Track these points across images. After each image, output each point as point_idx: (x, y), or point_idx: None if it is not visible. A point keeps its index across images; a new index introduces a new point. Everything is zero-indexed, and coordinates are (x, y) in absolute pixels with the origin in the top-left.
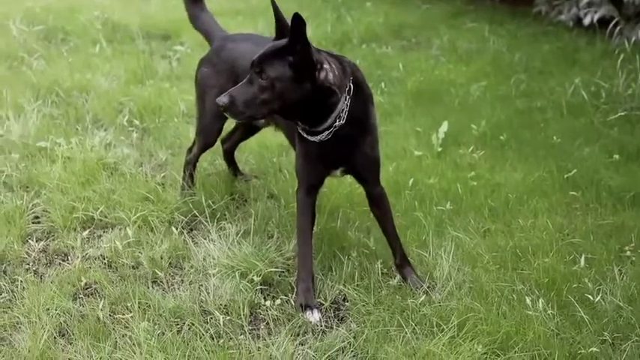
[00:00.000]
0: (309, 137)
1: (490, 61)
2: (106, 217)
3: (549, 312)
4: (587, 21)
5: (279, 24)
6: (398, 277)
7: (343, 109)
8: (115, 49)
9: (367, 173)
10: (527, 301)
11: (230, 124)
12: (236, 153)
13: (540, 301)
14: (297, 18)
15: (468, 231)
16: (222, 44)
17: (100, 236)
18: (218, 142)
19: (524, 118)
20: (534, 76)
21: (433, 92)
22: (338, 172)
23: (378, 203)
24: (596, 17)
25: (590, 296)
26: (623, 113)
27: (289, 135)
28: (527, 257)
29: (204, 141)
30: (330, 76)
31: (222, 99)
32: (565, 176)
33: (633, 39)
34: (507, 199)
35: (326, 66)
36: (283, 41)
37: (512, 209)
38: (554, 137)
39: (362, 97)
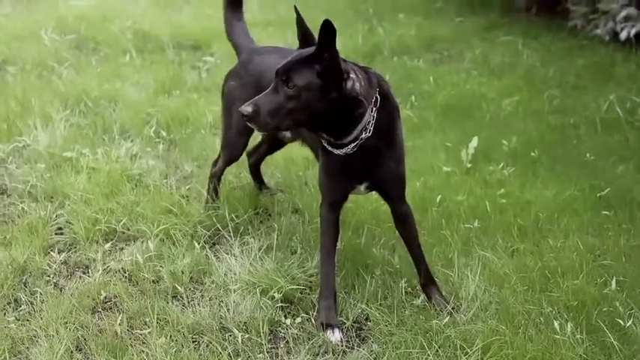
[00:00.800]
0: (334, 150)
1: (523, 76)
2: (128, 229)
3: (578, 337)
4: (623, 35)
5: (303, 33)
6: (422, 296)
7: (369, 121)
8: (145, 58)
9: (392, 189)
10: (556, 324)
11: (256, 137)
12: (262, 166)
13: (569, 324)
14: (327, 25)
15: (496, 250)
16: (249, 57)
17: (122, 249)
18: (244, 155)
19: (557, 135)
20: (568, 91)
21: (464, 106)
22: (362, 187)
23: (403, 221)
24: (633, 32)
25: (620, 321)
26: None
27: (315, 149)
28: (556, 279)
29: (229, 155)
30: (357, 85)
31: (246, 108)
32: (598, 195)
33: None
34: (537, 218)
35: (352, 75)
36: (310, 49)
37: (542, 228)
38: (588, 154)
39: (388, 109)
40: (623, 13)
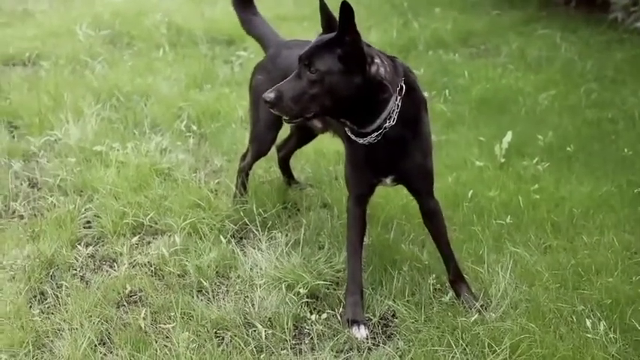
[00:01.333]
0: (358, 139)
1: (560, 69)
2: (156, 223)
3: (611, 336)
4: None
5: (326, 19)
6: (451, 293)
7: (394, 109)
8: (178, 53)
9: (419, 183)
10: (588, 323)
11: (285, 130)
12: (291, 161)
13: (602, 323)
14: (346, 7)
15: (528, 247)
16: (277, 51)
17: (149, 243)
18: (273, 149)
19: (594, 130)
20: (606, 85)
21: (499, 101)
22: (388, 180)
23: (432, 217)
24: None
25: None
26: None
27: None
28: (589, 276)
29: (258, 149)
30: (382, 70)
31: (269, 94)
32: (635, 191)
33: None
34: (572, 214)
35: (377, 60)
36: (331, 34)
37: (576, 225)
38: (625, 149)
39: (414, 99)
40: None
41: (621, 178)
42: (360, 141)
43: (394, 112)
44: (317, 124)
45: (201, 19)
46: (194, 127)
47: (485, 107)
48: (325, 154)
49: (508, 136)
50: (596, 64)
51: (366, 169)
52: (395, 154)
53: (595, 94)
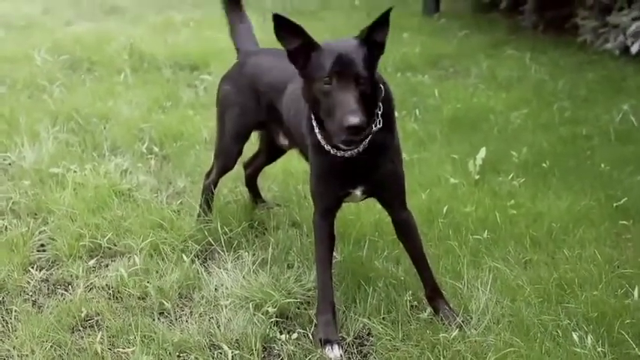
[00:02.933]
0: (341, 153)
1: (531, 89)
2: (115, 244)
3: (599, 350)
4: (634, 49)
5: None
6: (429, 309)
7: (378, 112)
8: (140, 77)
9: (391, 193)
10: (575, 336)
11: (251, 147)
12: (259, 179)
13: (589, 337)
14: (385, 18)
15: (508, 261)
16: (243, 60)
17: (107, 265)
18: (239, 167)
19: (569, 146)
20: (578, 103)
21: (470, 119)
22: (358, 192)
23: (405, 229)
24: None
25: None
26: None
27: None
28: (573, 289)
29: (223, 164)
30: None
31: (355, 119)
32: (614, 205)
33: None
34: (551, 229)
35: None
36: (354, 41)
37: (556, 239)
38: (602, 165)
39: (389, 103)
40: (634, 27)
41: (599, 193)
42: (345, 154)
43: (378, 115)
44: (283, 140)
45: (165, 45)
46: (156, 149)
47: (456, 126)
48: (293, 173)
49: (482, 153)
50: (568, 83)
51: (335, 181)
52: (367, 162)
53: (568, 112)
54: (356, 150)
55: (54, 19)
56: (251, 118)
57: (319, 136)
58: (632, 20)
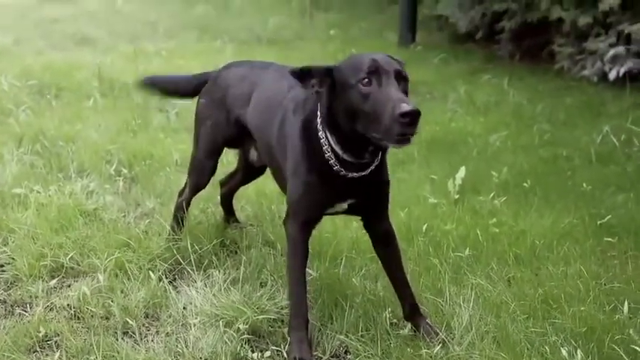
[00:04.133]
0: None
1: (510, 113)
2: (78, 264)
3: None
4: (612, 75)
5: None
6: (409, 326)
7: None
8: (109, 102)
9: (378, 204)
10: (564, 352)
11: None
12: (234, 200)
13: (579, 352)
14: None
15: (490, 278)
16: (218, 73)
17: (70, 285)
18: (210, 188)
19: (549, 166)
20: (558, 126)
21: (449, 142)
22: (345, 204)
23: (386, 241)
24: (622, 71)
25: (637, 348)
26: None
27: (279, 169)
28: (560, 304)
29: (196, 180)
30: None
31: (410, 106)
32: (598, 222)
33: None
34: (534, 246)
35: None
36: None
37: (539, 256)
38: (584, 184)
39: None
40: (612, 53)
41: (583, 211)
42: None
43: None
44: (253, 154)
45: (136, 72)
46: (124, 171)
47: (435, 148)
48: (267, 194)
49: (461, 172)
50: (547, 107)
51: (324, 194)
52: (363, 176)
53: (548, 135)
54: (365, 171)
55: (24, 49)
56: (222, 132)
57: (330, 153)
58: (610, 46)
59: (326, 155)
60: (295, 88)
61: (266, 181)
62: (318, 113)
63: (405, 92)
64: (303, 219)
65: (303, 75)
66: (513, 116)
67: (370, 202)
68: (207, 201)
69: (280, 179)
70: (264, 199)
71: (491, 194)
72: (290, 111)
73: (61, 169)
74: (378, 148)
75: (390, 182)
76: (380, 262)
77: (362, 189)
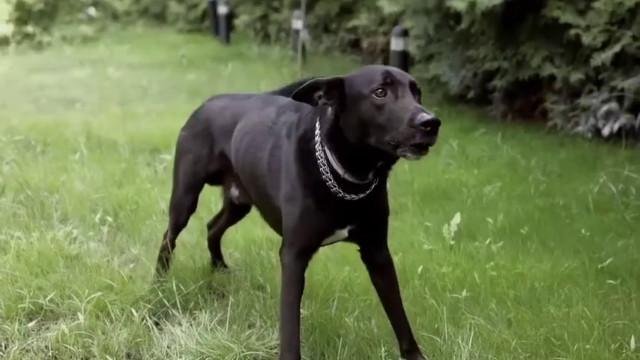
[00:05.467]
0: (350, 196)
1: (504, 165)
2: (58, 305)
3: None
4: (606, 131)
5: None
6: None
7: None
8: (96, 156)
9: (378, 232)
10: None
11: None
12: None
13: None
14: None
15: (490, 318)
16: (202, 104)
17: (49, 328)
18: (198, 236)
19: (547, 214)
20: (554, 178)
21: (443, 191)
22: (345, 231)
23: (384, 271)
24: (616, 127)
25: None
26: None
27: (265, 200)
28: (564, 341)
29: (176, 219)
30: None
31: (431, 115)
32: (599, 266)
33: None
34: (534, 288)
35: None
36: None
37: (540, 298)
38: (583, 231)
39: None
40: (605, 109)
41: (583, 256)
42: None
43: None
44: (234, 191)
45: (124, 132)
46: (109, 219)
47: (429, 197)
48: (256, 240)
49: (457, 218)
50: (541, 161)
51: (323, 220)
52: (363, 200)
53: (544, 186)
54: (362, 195)
55: (11, 112)
56: (203, 167)
57: (328, 174)
58: (602, 102)
59: (324, 176)
60: (286, 113)
61: (254, 227)
62: (317, 132)
63: (419, 104)
64: (300, 247)
65: (308, 88)
66: (507, 168)
67: (370, 228)
68: (195, 247)
69: (270, 212)
70: (252, 244)
71: (488, 240)
72: (283, 136)
73: (45, 218)
74: (385, 165)
75: (387, 209)
76: (377, 293)
77: (362, 214)
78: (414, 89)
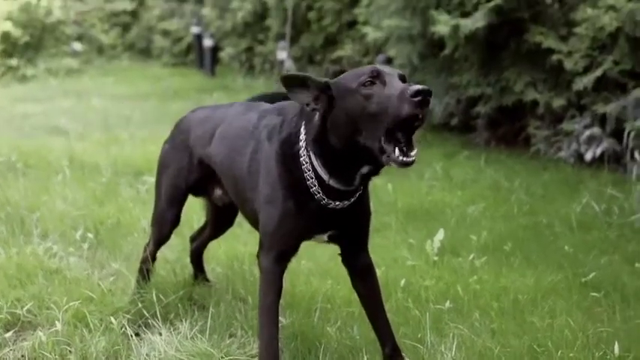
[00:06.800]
0: (334, 203)
1: (487, 187)
2: (35, 316)
3: None
4: (589, 156)
5: None
6: None
7: None
8: (78, 176)
9: (360, 235)
10: None
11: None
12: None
13: None
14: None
15: (474, 328)
16: (184, 116)
17: (26, 339)
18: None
19: (530, 232)
20: (537, 199)
21: (426, 211)
22: (325, 236)
23: (365, 275)
24: (598, 152)
25: None
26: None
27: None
28: (547, 348)
29: (159, 232)
30: None
31: (421, 86)
32: (583, 280)
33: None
34: (517, 301)
35: None
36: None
37: (523, 310)
38: (566, 247)
39: None
40: (587, 134)
41: (567, 271)
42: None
43: None
44: (217, 193)
45: (107, 156)
46: (90, 236)
47: (412, 216)
48: (238, 255)
49: (440, 234)
50: (524, 183)
51: (304, 224)
52: (345, 207)
53: (527, 206)
54: (347, 202)
55: None
56: (185, 178)
57: (313, 180)
58: (585, 127)
59: (308, 182)
60: (267, 117)
61: (237, 243)
62: (302, 137)
63: None
64: (278, 251)
65: (297, 82)
66: (491, 190)
67: (351, 234)
68: (175, 262)
69: (250, 212)
70: (235, 260)
71: (471, 255)
72: (264, 139)
73: (25, 234)
74: (371, 171)
75: (369, 213)
76: (359, 297)
77: (343, 219)
78: (403, 80)
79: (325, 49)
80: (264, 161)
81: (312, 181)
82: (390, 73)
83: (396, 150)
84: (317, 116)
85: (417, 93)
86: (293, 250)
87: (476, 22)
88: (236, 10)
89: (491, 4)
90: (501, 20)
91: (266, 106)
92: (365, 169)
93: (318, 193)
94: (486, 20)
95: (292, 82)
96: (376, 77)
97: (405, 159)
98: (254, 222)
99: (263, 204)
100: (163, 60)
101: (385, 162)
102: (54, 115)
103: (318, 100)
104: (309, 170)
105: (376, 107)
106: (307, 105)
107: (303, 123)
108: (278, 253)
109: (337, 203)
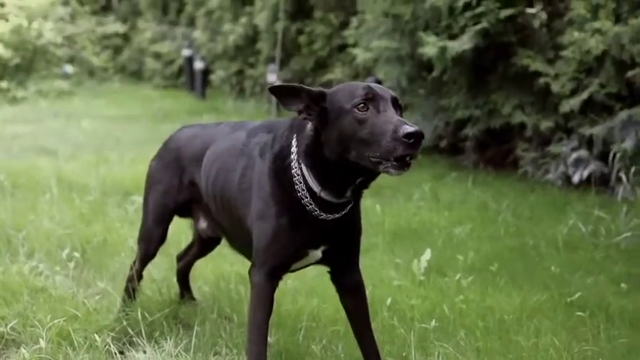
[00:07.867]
0: (326, 215)
1: (475, 208)
2: (19, 334)
3: None
4: (576, 179)
5: None
6: None
7: None
8: (66, 196)
9: (350, 253)
10: None
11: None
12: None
13: None
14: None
15: (459, 347)
16: (172, 135)
17: (9, 357)
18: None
19: (516, 253)
20: (524, 220)
21: (413, 231)
22: (318, 252)
23: (355, 292)
24: (585, 174)
25: None
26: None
27: (235, 224)
28: None
29: (145, 249)
30: None
31: (414, 127)
32: (568, 300)
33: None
34: (503, 320)
35: None
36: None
37: (509, 329)
38: (552, 268)
39: None
40: (574, 156)
41: (552, 291)
42: (328, 217)
43: None
44: (202, 224)
45: (96, 176)
46: (76, 255)
47: (399, 237)
48: (224, 275)
49: (427, 254)
50: (512, 204)
51: (297, 239)
52: (338, 220)
53: (513, 228)
54: (340, 213)
55: None
56: (173, 197)
57: (304, 192)
58: (572, 150)
59: (299, 194)
60: (258, 135)
61: (224, 263)
62: (293, 149)
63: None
64: (271, 267)
65: (291, 92)
66: (478, 211)
67: (343, 250)
68: (162, 282)
69: (241, 236)
70: (221, 279)
71: (458, 275)
72: (255, 155)
73: (11, 253)
74: (364, 182)
75: (361, 229)
76: (346, 314)
77: (336, 233)
78: (396, 104)
79: (315, 72)
80: (256, 177)
81: (303, 193)
82: (384, 96)
83: (391, 167)
84: (309, 127)
85: (410, 136)
86: (286, 266)
87: (463, 44)
88: (227, 33)
89: (478, 27)
90: (488, 43)
91: (253, 124)
92: (358, 180)
93: (310, 204)
94: (473, 43)
95: (282, 92)
96: (370, 100)
97: (400, 172)
98: (244, 245)
99: (256, 220)
100: (154, 82)
101: (381, 170)
102: (43, 136)
103: (311, 110)
104: (300, 182)
105: (368, 136)
106: (299, 113)
107: (294, 136)
108: (270, 269)
109: (329, 215)
